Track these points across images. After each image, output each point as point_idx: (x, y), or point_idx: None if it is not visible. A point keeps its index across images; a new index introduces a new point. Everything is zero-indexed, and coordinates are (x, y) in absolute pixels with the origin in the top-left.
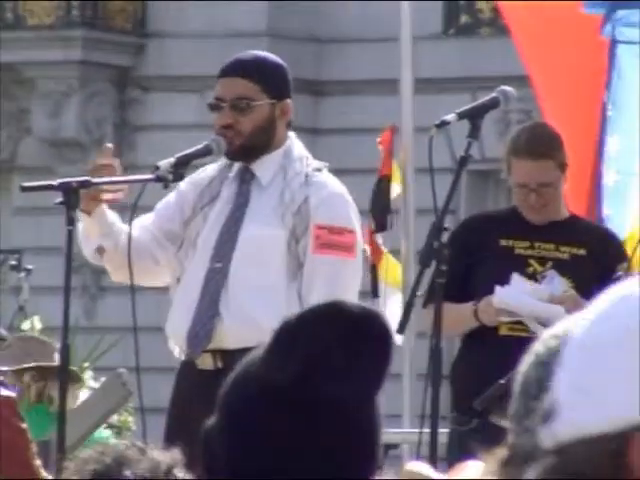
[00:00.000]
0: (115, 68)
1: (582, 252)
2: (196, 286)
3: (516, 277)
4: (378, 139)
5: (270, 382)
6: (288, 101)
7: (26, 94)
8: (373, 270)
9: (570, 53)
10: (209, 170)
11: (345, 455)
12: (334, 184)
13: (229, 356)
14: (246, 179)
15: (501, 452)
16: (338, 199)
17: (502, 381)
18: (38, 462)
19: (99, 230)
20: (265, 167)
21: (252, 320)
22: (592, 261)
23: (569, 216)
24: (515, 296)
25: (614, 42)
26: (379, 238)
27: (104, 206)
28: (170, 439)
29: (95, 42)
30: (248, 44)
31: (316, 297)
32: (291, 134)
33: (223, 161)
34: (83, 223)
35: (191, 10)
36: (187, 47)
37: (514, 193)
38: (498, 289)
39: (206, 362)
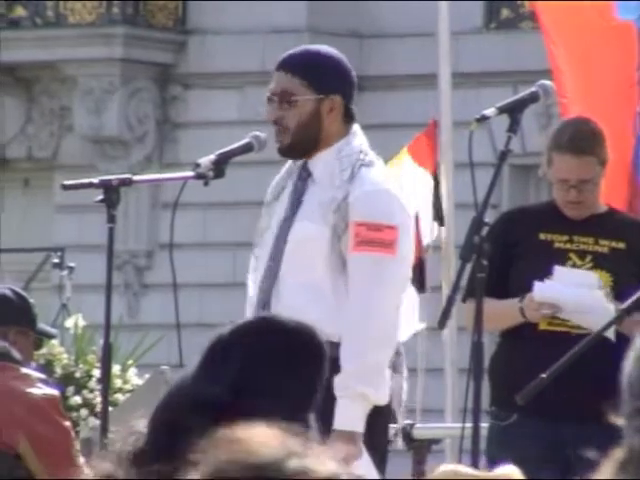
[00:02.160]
0: (156, 65)
1: (621, 246)
2: (255, 286)
3: (559, 268)
4: (418, 134)
5: (203, 397)
6: (338, 96)
7: (68, 92)
8: (420, 264)
9: (603, 56)
10: (287, 164)
11: None
12: (379, 180)
13: None
14: (303, 176)
15: (618, 453)
16: (379, 195)
17: (544, 375)
18: (81, 460)
19: None
20: (318, 164)
21: (300, 317)
22: (632, 255)
23: (607, 209)
24: (555, 288)
25: None
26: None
27: None
28: None
29: (136, 39)
30: (288, 40)
31: (355, 295)
32: (356, 127)
33: None
34: None
35: (231, 7)
36: (227, 44)
37: (554, 188)
38: (537, 284)
39: None
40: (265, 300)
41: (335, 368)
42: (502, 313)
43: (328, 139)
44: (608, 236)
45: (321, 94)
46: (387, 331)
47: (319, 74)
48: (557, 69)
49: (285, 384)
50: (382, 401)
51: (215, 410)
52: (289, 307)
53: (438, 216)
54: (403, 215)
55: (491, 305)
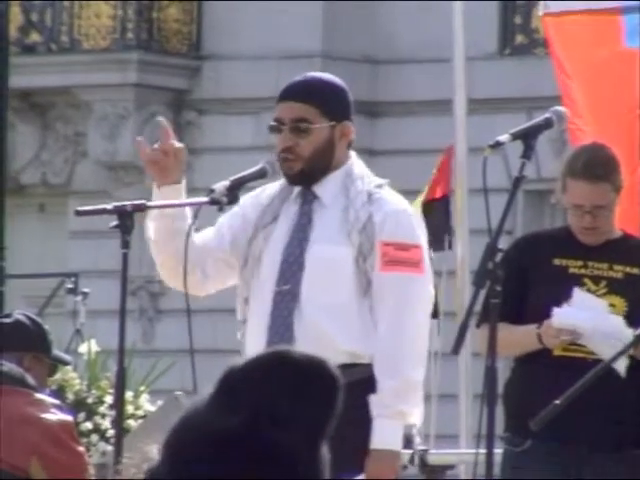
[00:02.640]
0: (171, 91)
1: (636, 271)
2: (265, 311)
3: (578, 291)
4: (439, 159)
5: (217, 428)
6: (348, 123)
7: (82, 117)
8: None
9: (611, 83)
10: (270, 189)
11: None
12: (397, 200)
13: None
14: (308, 199)
15: None
16: (402, 215)
17: (557, 402)
18: None
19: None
20: (327, 187)
21: (328, 340)
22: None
23: (622, 235)
24: (573, 314)
25: None
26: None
27: (180, 188)
28: None
29: (151, 65)
30: (303, 65)
31: (387, 314)
32: (352, 153)
33: (284, 181)
34: (153, 196)
35: (246, 32)
36: (242, 69)
37: (569, 213)
38: (556, 310)
39: None
40: (286, 324)
41: (368, 388)
42: (518, 339)
43: (336, 164)
44: (622, 262)
45: (333, 121)
46: (421, 349)
47: (332, 101)
48: (566, 95)
49: (299, 416)
50: (418, 420)
51: (229, 442)
52: (316, 330)
53: (440, 239)
54: (423, 234)
55: (506, 331)
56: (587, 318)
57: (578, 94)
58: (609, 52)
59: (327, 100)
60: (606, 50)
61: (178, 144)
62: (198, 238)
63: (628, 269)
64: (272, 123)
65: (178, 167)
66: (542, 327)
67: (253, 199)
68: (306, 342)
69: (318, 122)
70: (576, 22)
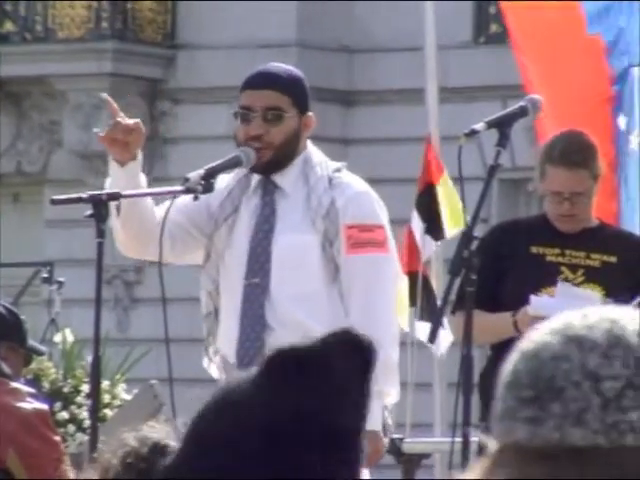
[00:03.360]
0: (145, 80)
1: (613, 260)
2: (235, 305)
3: (563, 284)
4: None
5: (266, 417)
6: (310, 114)
7: (57, 107)
8: (411, 278)
9: (574, 70)
10: (226, 180)
11: None
12: (357, 183)
13: None
14: (269, 190)
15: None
16: (363, 197)
17: None
18: (71, 474)
19: (125, 184)
20: (286, 176)
21: (302, 327)
22: (623, 269)
23: (599, 224)
24: (550, 303)
25: (629, 66)
26: (428, 246)
27: (139, 163)
28: None
29: (125, 54)
30: (277, 55)
31: (358, 296)
32: (307, 142)
33: (240, 171)
34: (112, 175)
35: (220, 21)
36: (217, 59)
37: (547, 201)
38: (533, 298)
39: None
40: (258, 315)
41: None
42: (494, 326)
43: (297, 153)
44: (599, 250)
45: (302, 112)
46: (393, 328)
47: (300, 92)
48: (529, 83)
49: (362, 397)
50: (395, 399)
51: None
52: (289, 321)
53: (434, 229)
54: (385, 214)
55: (482, 318)
56: (564, 308)
57: (538, 80)
58: (572, 39)
59: (297, 91)
60: (569, 37)
61: (132, 120)
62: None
63: (605, 257)
64: (239, 110)
65: (139, 142)
66: (518, 314)
67: (214, 199)
68: (281, 330)
69: (290, 111)
70: (536, 7)
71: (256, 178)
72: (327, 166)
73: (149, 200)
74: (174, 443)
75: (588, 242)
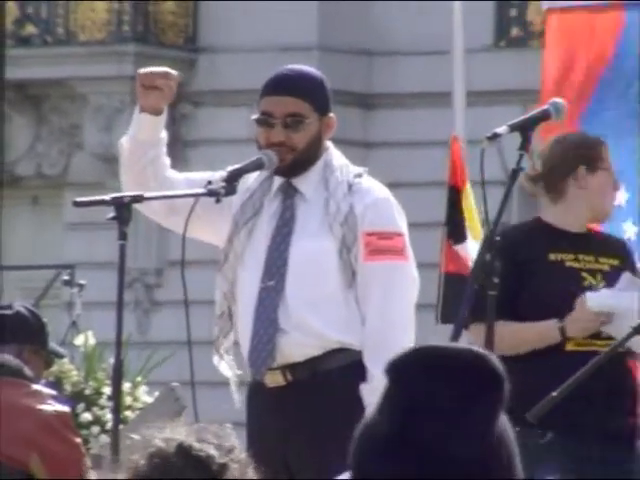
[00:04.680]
0: None
1: (617, 263)
2: (250, 307)
3: (625, 274)
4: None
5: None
6: (332, 115)
7: (78, 110)
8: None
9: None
10: (249, 183)
11: None
12: (377, 189)
13: (298, 369)
14: (290, 194)
15: None
16: (383, 204)
17: (554, 394)
18: (93, 476)
19: (147, 137)
20: (307, 180)
21: (314, 331)
22: (628, 271)
23: (588, 229)
24: (608, 295)
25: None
26: (462, 249)
27: (164, 118)
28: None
29: (147, 57)
30: (298, 58)
31: (374, 303)
32: (329, 144)
33: (262, 174)
34: (136, 125)
35: (242, 25)
36: (238, 62)
37: (542, 202)
38: (589, 294)
39: (276, 379)
40: (271, 319)
41: (360, 372)
42: (533, 336)
43: (318, 156)
44: (604, 254)
45: (322, 115)
46: (409, 336)
47: (320, 95)
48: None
49: (456, 413)
50: None
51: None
52: (302, 324)
53: (458, 232)
54: (404, 221)
55: (513, 328)
56: (623, 296)
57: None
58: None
59: (317, 95)
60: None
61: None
62: (176, 174)
63: (611, 261)
64: (260, 116)
65: (172, 92)
66: (574, 312)
67: (238, 203)
68: (293, 333)
69: (310, 117)
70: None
71: (277, 182)
72: (348, 171)
73: (166, 160)
74: (198, 444)
75: (592, 246)
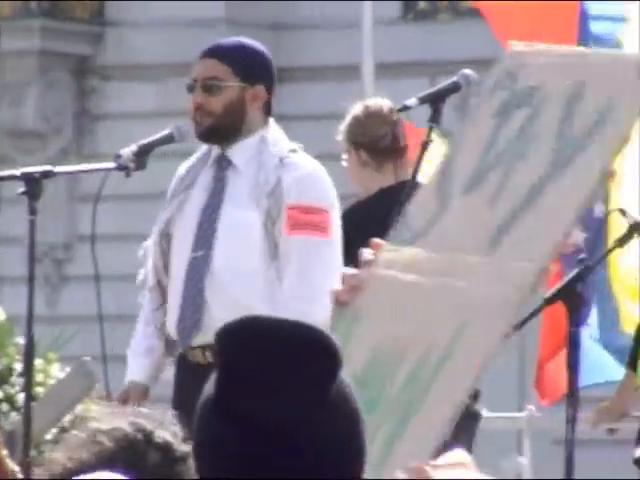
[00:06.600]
0: (74, 57)
1: None
2: (179, 277)
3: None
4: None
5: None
6: (261, 87)
7: None
8: None
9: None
10: (191, 159)
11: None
12: (308, 164)
13: None
14: (223, 165)
15: None
16: (311, 179)
17: None
18: (4, 452)
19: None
20: (240, 152)
21: (239, 304)
22: None
23: None
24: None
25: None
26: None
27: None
28: None
29: (54, 32)
30: (207, 32)
31: (295, 278)
32: (271, 120)
33: (203, 149)
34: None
35: None
36: (145, 36)
37: None
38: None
39: (197, 355)
40: (198, 289)
41: None
42: None
43: (249, 128)
44: None
45: (246, 83)
46: (327, 312)
47: (245, 63)
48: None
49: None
50: None
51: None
52: (227, 295)
53: None
54: (334, 198)
55: None
56: None
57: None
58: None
59: (240, 60)
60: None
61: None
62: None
63: None
64: (188, 82)
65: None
66: None
67: (176, 178)
68: (217, 306)
69: (229, 80)
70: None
71: (214, 154)
72: (282, 146)
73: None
74: (162, 432)
75: None
